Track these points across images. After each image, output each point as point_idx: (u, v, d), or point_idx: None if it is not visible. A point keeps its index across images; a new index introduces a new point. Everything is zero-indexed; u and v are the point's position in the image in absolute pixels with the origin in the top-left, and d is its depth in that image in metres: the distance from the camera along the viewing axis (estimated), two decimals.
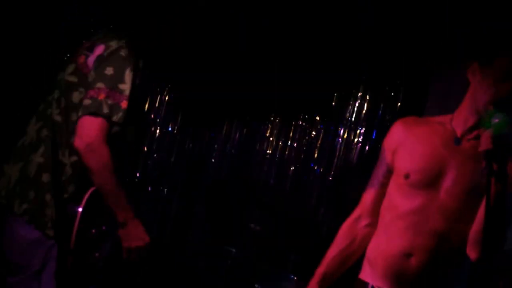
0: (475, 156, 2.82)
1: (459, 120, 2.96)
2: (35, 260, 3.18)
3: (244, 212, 5.39)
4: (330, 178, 5.81)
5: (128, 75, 3.15)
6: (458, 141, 2.94)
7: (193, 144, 5.57)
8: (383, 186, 3.08)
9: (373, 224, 3.10)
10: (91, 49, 3.26)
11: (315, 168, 5.86)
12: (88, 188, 3.17)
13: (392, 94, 5.87)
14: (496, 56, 2.85)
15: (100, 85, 3.13)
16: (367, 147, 5.75)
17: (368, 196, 3.14)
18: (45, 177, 3.19)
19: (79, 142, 3.08)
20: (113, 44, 3.22)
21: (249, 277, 5.07)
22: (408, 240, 2.92)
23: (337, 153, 5.85)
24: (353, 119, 5.87)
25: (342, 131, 5.89)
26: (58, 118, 3.22)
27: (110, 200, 3.17)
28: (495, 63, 2.85)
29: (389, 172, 3.05)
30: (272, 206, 5.54)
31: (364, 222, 3.14)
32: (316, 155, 5.85)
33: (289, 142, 5.83)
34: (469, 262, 2.90)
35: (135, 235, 3.23)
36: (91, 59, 3.23)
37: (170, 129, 5.50)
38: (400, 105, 5.85)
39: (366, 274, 3.06)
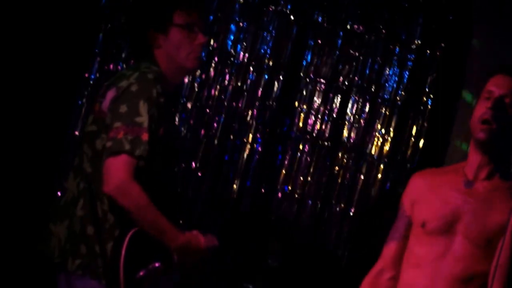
0: (490, 195, 2.91)
1: (469, 163, 3.01)
2: None
3: (262, 247, 5.36)
4: (351, 214, 5.78)
5: (142, 107, 3.12)
6: (469, 184, 2.98)
7: (213, 179, 5.56)
8: (405, 239, 3.08)
9: (396, 277, 3.08)
10: (103, 95, 3.27)
11: (335, 203, 5.82)
12: (130, 228, 3.13)
13: (415, 129, 5.88)
14: (483, 88, 2.99)
15: (117, 124, 3.12)
16: (388, 184, 5.73)
17: (390, 249, 3.12)
18: (90, 230, 3.20)
19: (107, 186, 3.08)
20: (124, 84, 3.21)
21: None
22: (427, 287, 2.92)
23: (358, 189, 5.82)
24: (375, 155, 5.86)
25: (364, 167, 5.87)
26: (88, 169, 3.23)
27: (155, 233, 3.14)
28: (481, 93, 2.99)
29: (410, 225, 3.07)
30: (291, 241, 5.49)
31: (387, 275, 3.11)
32: (336, 190, 5.83)
33: (309, 176, 5.80)
34: None
35: (195, 251, 3.20)
36: (105, 105, 3.23)
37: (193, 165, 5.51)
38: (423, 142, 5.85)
39: None
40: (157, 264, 3.18)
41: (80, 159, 3.30)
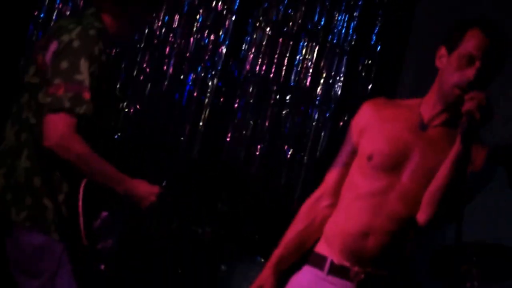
0: (441, 142, 2.88)
1: (427, 105, 2.97)
2: (45, 264, 3.19)
3: (212, 192, 5.33)
4: (304, 160, 5.78)
5: (83, 64, 3.11)
6: (423, 126, 2.95)
7: (163, 123, 5.54)
8: (347, 167, 3.05)
9: (334, 205, 3.06)
10: (46, 47, 3.23)
11: (286, 148, 5.81)
12: (80, 180, 3.16)
13: (364, 74, 5.90)
14: (461, 40, 2.89)
15: (57, 81, 3.11)
16: (338, 128, 5.75)
17: (331, 177, 3.09)
18: (37, 181, 3.18)
19: (48, 141, 3.08)
20: (65, 38, 3.19)
21: (215, 257, 5.02)
22: (367, 220, 2.91)
23: (309, 133, 5.82)
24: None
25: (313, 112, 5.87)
26: (33, 120, 3.20)
27: (102, 181, 3.16)
28: (460, 47, 2.88)
29: (354, 152, 3.04)
30: (241, 186, 5.48)
31: (325, 202, 3.09)
32: (287, 134, 5.81)
33: (259, 120, 5.78)
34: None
35: (143, 195, 3.23)
36: (48, 57, 3.21)
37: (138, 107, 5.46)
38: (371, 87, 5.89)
39: (323, 248, 3.02)
40: (104, 213, 3.22)
41: (19, 108, 3.26)
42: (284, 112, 5.81)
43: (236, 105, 5.73)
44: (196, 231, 5.09)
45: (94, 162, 3.13)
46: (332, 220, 3.03)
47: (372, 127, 2.99)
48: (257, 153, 5.74)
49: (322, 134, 5.82)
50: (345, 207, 3.00)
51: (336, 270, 2.95)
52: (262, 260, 4.79)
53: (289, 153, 5.79)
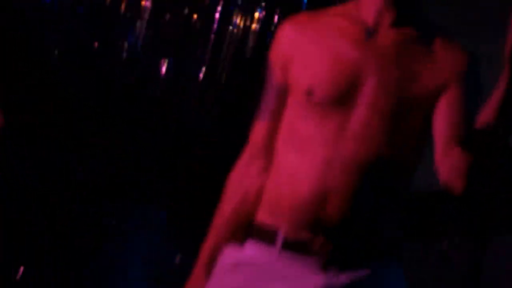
0: (400, 48, 2.41)
1: (368, 4, 2.46)
2: None
3: None
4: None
5: None
6: (370, 33, 2.46)
7: None
8: (277, 115, 2.57)
9: (268, 168, 2.59)
10: None
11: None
12: None
13: None
14: None
15: None
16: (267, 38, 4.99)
17: (259, 132, 2.60)
18: None
19: None
20: None
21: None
22: (320, 179, 2.43)
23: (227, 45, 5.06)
24: None
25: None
26: None
27: None
28: None
29: (282, 94, 2.56)
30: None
31: (257, 165, 2.60)
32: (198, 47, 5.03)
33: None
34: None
35: None
36: None
37: None
38: None
39: (268, 218, 2.50)
40: None
41: None
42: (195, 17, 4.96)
43: None
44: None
45: None
46: (272, 184, 2.54)
47: (302, 53, 2.51)
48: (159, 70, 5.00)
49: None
50: (286, 165, 2.51)
51: (293, 245, 2.47)
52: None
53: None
